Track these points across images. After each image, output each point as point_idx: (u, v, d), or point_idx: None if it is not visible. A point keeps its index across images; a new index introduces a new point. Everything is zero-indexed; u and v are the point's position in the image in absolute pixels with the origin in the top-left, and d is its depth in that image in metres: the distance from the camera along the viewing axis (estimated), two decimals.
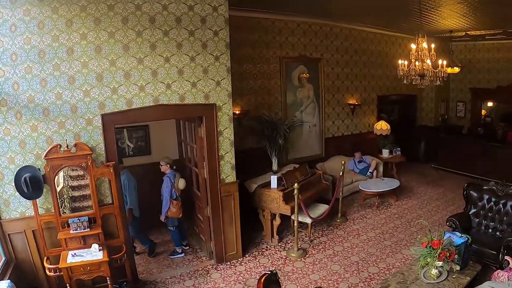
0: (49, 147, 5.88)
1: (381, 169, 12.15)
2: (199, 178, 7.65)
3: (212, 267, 7.66)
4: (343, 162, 9.68)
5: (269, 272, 4.97)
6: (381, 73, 13.53)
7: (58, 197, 6.08)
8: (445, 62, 8.74)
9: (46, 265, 6.01)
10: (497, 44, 14.25)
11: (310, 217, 8.39)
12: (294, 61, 11.09)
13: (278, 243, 8.65)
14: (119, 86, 6.34)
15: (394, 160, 12.79)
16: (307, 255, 8.15)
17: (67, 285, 5.90)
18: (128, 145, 9.18)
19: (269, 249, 8.42)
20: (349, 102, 12.52)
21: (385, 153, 12.76)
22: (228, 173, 7.51)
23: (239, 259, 7.94)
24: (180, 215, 7.94)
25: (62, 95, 6.00)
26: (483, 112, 15.27)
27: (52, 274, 6.00)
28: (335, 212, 9.64)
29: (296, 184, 7.77)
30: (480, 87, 14.84)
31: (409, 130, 14.59)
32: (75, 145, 6.00)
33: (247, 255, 8.11)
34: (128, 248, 6.69)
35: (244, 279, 7.26)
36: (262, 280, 4.76)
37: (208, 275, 7.41)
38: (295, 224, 8.00)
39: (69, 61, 5.95)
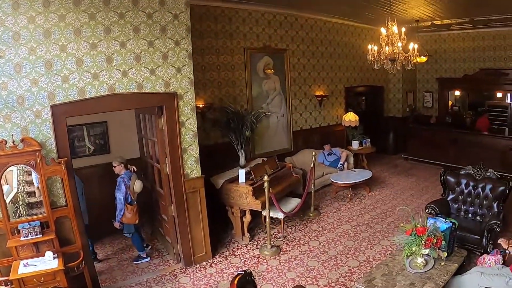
0: None
1: (351, 160, 11.86)
2: (161, 174, 7.09)
3: (180, 271, 7.13)
4: (313, 153, 9.31)
5: (243, 272, 4.51)
6: (348, 64, 13.25)
7: (11, 202, 5.54)
8: (416, 46, 8.54)
9: None
10: (463, 33, 14.23)
11: (283, 212, 7.96)
12: (259, 52, 10.65)
13: (250, 241, 8.19)
14: (70, 74, 5.74)
15: (364, 151, 12.55)
16: (281, 252, 7.72)
17: None
18: (88, 146, 8.54)
19: (241, 248, 7.95)
20: (316, 94, 12.16)
21: (355, 144, 12.51)
22: (193, 168, 7.00)
23: (209, 261, 7.43)
24: (137, 221, 7.27)
25: (8, 85, 5.37)
26: (450, 102, 15.17)
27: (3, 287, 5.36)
28: (307, 206, 9.28)
29: (266, 177, 7.33)
30: (447, 76, 14.75)
31: (377, 121, 14.39)
32: (22, 140, 5.38)
33: (217, 256, 7.62)
34: (86, 254, 6.10)
35: (216, 282, 6.77)
36: (236, 281, 4.31)
37: (177, 279, 6.87)
38: (267, 220, 7.56)
39: (14, 47, 5.32)
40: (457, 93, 14.92)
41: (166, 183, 6.99)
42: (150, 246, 7.98)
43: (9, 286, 5.33)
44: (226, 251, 7.80)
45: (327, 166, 11.35)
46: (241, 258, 7.55)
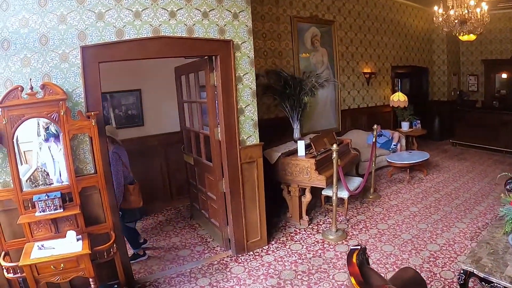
0: (6, 91, 3.66)
1: (403, 142, 10.00)
2: (211, 142, 5.37)
3: (230, 259, 5.41)
4: (375, 126, 7.48)
5: (358, 247, 2.80)
6: (394, 42, 11.43)
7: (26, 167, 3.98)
8: (486, 7, 6.84)
9: (3, 263, 3.74)
10: (509, 13, 12.26)
11: (348, 190, 6.19)
12: (305, 22, 8.90)
13: (309, 225, 6.40)
14: (106, 10, 4.17)
15: (415, 134, 10.69)
16: (348, 237, 5.96)
17: None
18: (110, 119, 6.89)
19: (299, 233, 6.20)
20: (364, 71, 10.36)
21: (405, 126, 10.68)
22: (250, 133, 5.27)
23: (264, 247, 5.70)
24: (141, 203, 5.41)
25: (29, 21, 3.82)
26: (497, 84, 13.20)
27: (11, 276, 3.77)
28: (366, 188, 7.43)
29: (335, 145, 5.58)
30: (493, 58, 12.81)
31: (422, 105, 12.43)
32: (43, 86, 3.77)
33: (272, 242, 5.88)
34: (119, 236, 4.42)
35: (277, 272, 5.03)
36: (354, 258, 2.61)
37: (227, 269, 5.16)
38: (334, 198, 5.81)
39: None
40: (504, 75, 12.94)
41: (217, 152, 5.29)
42: (147, 242, 6.03)
43: (19, 274, 3.69)
44: (282, 236, 6.05)
45: (379, 148, 9.51)
46: (302, 243, 5.80)
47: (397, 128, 10.81)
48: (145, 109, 7.14)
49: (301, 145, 6.22)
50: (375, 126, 7.44)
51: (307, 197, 6.20)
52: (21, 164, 3.98)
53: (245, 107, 5.15)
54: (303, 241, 5.87)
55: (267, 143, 6.49)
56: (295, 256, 5.38)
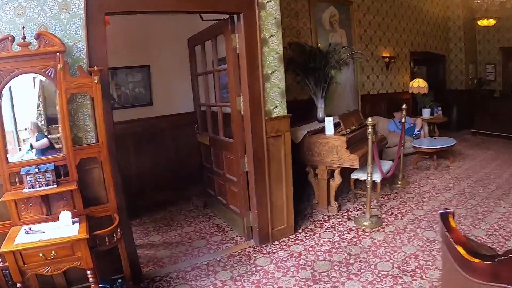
0: None
1: (426, 129, 9.07)
2: (232, 114, 4.48)
3: (254, 250, 4.50)
4: (404, 106, 6.61)
5: (451, 210, 1.94)
6: (411, 27, 10.49)
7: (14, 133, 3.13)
8: None
9: None
10: None
11: (382, 172, 5.30)
12: (323, 1, 8.01)
13: (338, 212, 5.50)
14: None
15: (436, 120, 9.76)
16: (383, 223, 5.05)
17: (17, 285, 2.77)
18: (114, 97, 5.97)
19: (328, 220, 5.29)
20: (383, 55, 9.45)
21: (426, 113, 9.74)
22: (276, 103, 4.39)
23: (291, 236, 4.80)
24: None
25: None
26: None
27: None
28: (394, 174, 6.48)
29: (370, 119, 4.72)
30: (511, 46, 11.85)
31: (440, 94, 11.48)
32: (38, 36, 2.93)
33: (299, 230, 4.98)
34: (124, 220, 3.54)
35: (310, 263, 4.14)
36: (453, 222, 1.80)
37: (251, 261, 4.26)
38: (369, 179, 4.92)
39: None
40: None
41: (238, 126, 4.40)
42: None
43: (1, 264, 2.83)
44: (310, 224, 5.15)
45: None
46: (334, 231, 4.90)
47: (417, 115, 9.88)
48: (154, 87, 6.26)
49: (329, 122, 5.33)
50: (404, 106, 6.55)
51: (337, 180, 5.31)
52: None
53: (271, 73, 4.27)
54: (334, 228, 4.97)
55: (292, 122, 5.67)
56: (328, 245, 4.49)
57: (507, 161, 8.21)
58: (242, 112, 4.30)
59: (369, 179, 4.89)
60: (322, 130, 5.49)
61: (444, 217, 1.91)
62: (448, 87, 12.17)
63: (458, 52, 11.98)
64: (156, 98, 6.29)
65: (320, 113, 6.08)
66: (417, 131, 8.66)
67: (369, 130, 4.68)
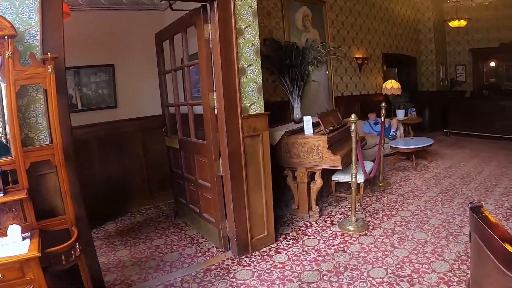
0: None
1: (402, 129, 8.89)
2: (204, 112, 4.07)
3: (233, 263, 4.07)
4: (382, 104, 6.35)
5: (482, 203, 1.59)
6: (383, 29, 10.40)
7: None
8: None
9: None
10: (495, 1, 11.43)
11: (365, 173, 5.00)
12: (296, 0, 7.73)
13: (320, 217, 5.15)
14: None
15: (411, 121, 9.62)
16: (370, 227, 4.72)
17: None
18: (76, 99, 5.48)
19: (310, 226, 4.93)
20: (356, 56, 9.25)
21: (400, 114, 9.60)
22: (253, 99, 4.02)
23: (272, 246, 4.39)
24: None
25: None
26: (486, 73, 12.37)
27: None
28: (374, 176, 6.22)
29: (353, 116, 4.40)
30: (480, 47, 11.96)
31: (411, 96, 11.41)
32: None
33: (280, 238, 4.58)
34: (84, 234, 3.07)
35: (296, 274, 3.74)
36: (491, 217, 1.51)
37: (230, 274, 3.82)
38: (353, 180, 4.59)
39: None
40: (492, 64, 12.09)
41: (212, 125, 4.00)
42: None
43: None
44: (291, 231, 4.77)
45: (377, 136, 8.39)
46: (318, 238, 4.53)
47: (391, 117, 9.72)
48: (119, 88, 5.79)
49: (308, 122, 4.99)
50: (383, 104, 6.31)
51: (318, 182, 4.97)
52: None
53: (247, 67, 3.91)
54: (318, 235, 4.61)
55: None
56: (314, 253, 4.12)
57: (484, 159, 8.14)
58: (216, 110, 3.90)
59: (353, 180, 4.57)
60: (300, 130, 5.16)
61: (477, 211, 1.57)
62: (420, 89, 12.12)
63: (429, 53, 11.99)
64: (121, 100, 5.83)
65: (297, 113, 5.75)
66: (393, 131, 8.47)
67: (353, 127, 4.37)
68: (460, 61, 12.58)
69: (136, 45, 5.68)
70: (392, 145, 7.57)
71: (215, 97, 3.89)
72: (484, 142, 10.01)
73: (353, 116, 4.37)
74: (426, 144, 7.55)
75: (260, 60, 4.01)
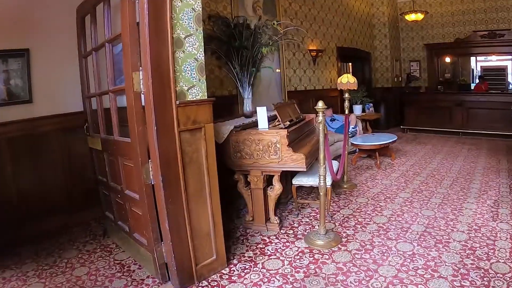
0: None
1: (361, 126, 8.15)
2: (127, 98, 2.99)
3: None
4: (346, 95, 5.54)
5: None
6: (338, 21, 9.68)
7: None
8: None
9: None
10: None
11: (334, 174, 4.10)
12: None
13: (280, 229, 4.17)
14: None
15: (369, 117, 8.94)
16: (343, 240, 3.80)
17: None
18: None
19: (270, 242, 3.93)
20: (310, 48, 8.41)
21: (357, 110, 8.92)
22: (193, 81, 2.98)
23: (224, 272, 3.34)
24: None
25: None
26: (441, 69, 12.00)
27: None
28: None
29: (320, 103, 3.46)
30: (435, 42, 11.57)
31: (366, 92, 10.81)
32: None
33: (234, 261, 3.55)
34: None
35: None
36: None
37: None
38: (322, 184, 3.66)
39: None
40: (447, 59, 11.73)
41: (137, 116, 2.91)
42: None
43: None
44: (246, 250, 3.75)
45: (334, 133, 7.61)
46: (281, 257, 3.54)
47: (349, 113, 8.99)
48: (36, 78, 4.53)
49: (262, 114, 4.02)
50: (346, 95, 5.51)
51: (276, 188, 4.00)
52: None
53: (185, 38, 2.88)
54: (281, 253, 3.63)
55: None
56: (278, 280, 3.13)
57: (449, 155, 7.64)
58: (143, 97, 2.84)
59: (322, 183, 3.63)
60: (253, 125, 4.19)
61: None
62: (375, 85, 11.51)
63: (383, 49, 11.44)
64: (38, 92, 4.55)
65: (248, 106, 4.77)
66: (352, 128, 7.70)
67: (320, 117, 3.44)
68: (415, 57, 12.17)
69: (57, 24, 4.48)
70: (354, 142, 6.77)
71: (141, 78, 2.82)
72: (444, 138, 9.53)
73: (320, 104, 3.44)
74: (390, 140, 6.84)
75: (202, 30, 2.98)
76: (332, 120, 7.93)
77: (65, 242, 4.32)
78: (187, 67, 2.89)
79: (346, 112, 5.41)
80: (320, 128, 3.48)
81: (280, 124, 4.06)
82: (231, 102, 5.17)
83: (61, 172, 4.84)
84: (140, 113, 2.89)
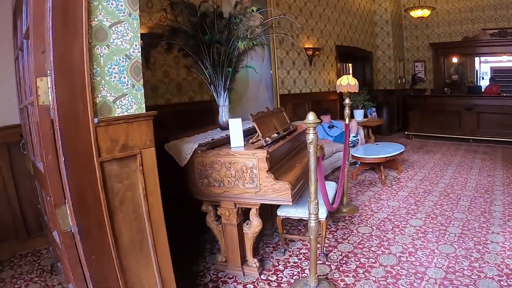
0: None
1: (363, 134, 7.24)
2: (34, 116, 2.09)
3: None
4: (346, 101, 4.61)
5: None
6: (337, 18, 8.74)
7: None
8: None
9: None
10: None
11: (329, 204, 3.18)
12: None
13: (261, 274, 3.24)
14: None
15: (372, 124, 8.01)
16: None
17: None
18: None
19: None
20: (306, 46, 7.49)
21: (358, 115, 7.98)
22: (123, 88, 2.06)
23: None
24: None
25: None
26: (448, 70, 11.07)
27: None
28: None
29: (311, 116, 2.56)
30: (442, 41, 10.63)
31: (368, 95, 9.89)
32: None
33: None
34: None
35: None
36: None
37: None
38: (312, 224, 2.74)
39: None
40: (455, 59, 10.81)
41: (45, 140, 1.99)
42: None
43: None
44: None
45: (334, 143, 6.68)
46: None
47: (349, 118, 8.08)
48: None
49: (236, 127, 3.10)
50: (346, 101, 4.56)
51: (254, 225, 3.09)
52: None
53: (110, 27, 1.97)
54: None
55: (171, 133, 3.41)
56: None
57: (462, 166, 6.74)
58: (49, 107, 1.94)
59: (313, 224, 2.72)
60: (226, 141, 3.27)
61: None
62: (377, 87, 10.58)
63: (386, 48, 10.51)
64: None
65: (224, 115, 3.83)
66: (353, 136, 6.78)
67: (311, 136, 2.54)
68: (419, 57, 11.25)
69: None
70: (355, 155, 5.84)
71: (49, 86, 1.91)
72: (453, 145, 8.61)
73: (310, 117, 2.53)
74: (397, 152, 5.91)
75: (138, 16, 2.07)
76: (331, 127, 7.02)
77: (8, 279, 3.46)
78: (114, 69, 1.98)
79: (347, 121, 4.49)
80: (311, 151, 2.57)
81: (260, 140, 3.15)
82: (212, 109, 4.28)
83: (5, 193, 3.98)
84: (49, 136, 1.98)
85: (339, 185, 3.95)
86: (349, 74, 9.42)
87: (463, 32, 10.34)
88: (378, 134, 9.83)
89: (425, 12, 8.92)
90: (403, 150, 6.04)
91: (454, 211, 4.48)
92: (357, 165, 6.28)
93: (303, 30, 6.28)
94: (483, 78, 10.86)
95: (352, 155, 5.87)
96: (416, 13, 8.96)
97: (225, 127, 3.75)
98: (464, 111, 8.75)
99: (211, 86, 3.76)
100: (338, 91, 7.94)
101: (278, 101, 6.75)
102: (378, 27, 10.52)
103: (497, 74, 10.38)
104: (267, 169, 2.83)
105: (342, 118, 8.29)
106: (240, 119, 3.13)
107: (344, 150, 4.42)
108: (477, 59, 10.86)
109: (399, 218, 4.34)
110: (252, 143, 3.21)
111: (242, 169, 2.93)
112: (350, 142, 6.69)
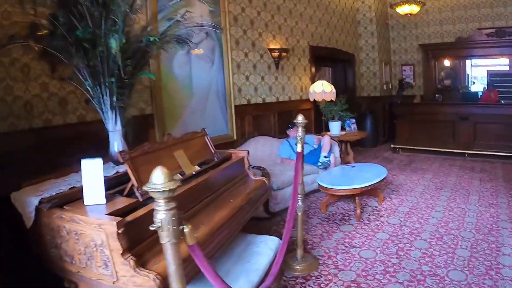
0: None
1: (337, 151, 5.99)
2: None
3: None
4: (299, 119, 3.33)
5: None
6: (312, 14, 7.54)
7: None
8: None
9: None
10: None
11: None
12: None
13: None
14: None
15: (351, 138, 6.81)
16: None
17: None
18: None
19: None
20: (271, 47, 6.28)
21: (335, 128, 6.77)
22: None
23: None
24: None
25: None
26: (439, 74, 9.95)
27: None
28: (289, 248, 3.13)
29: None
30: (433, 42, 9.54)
31: (349, 103, 8.60)
32: None
33: None
34: None
35: None
36: None
37: None
38: None
39: None
40: (447, 62, 9.68)
41: None
42: None
43: None
44: None
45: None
46: None
47: (322, 132, 6.90)
48: None
49: (92, 172, 1.86)
50: (300, 120, 3.32)
51: None
52: None
53: None
54: None
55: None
56: None
57: (457, 190, 5.64)
58: None
59: None
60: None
61: None
62: (360, 94, 9.41)
63: (370, 50, 9.38)
64: None
65: (117, 144, 2.58)
66: (325, 156, 5.54)
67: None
68: (408, 60, 10.14)
69: None
70: (322, 184, 4.58)
71: None
72: (446, 161, 7.46)
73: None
74: (376, 180, 4.65)
75: None
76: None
77: None
78: None
79: (298, 148, 3.26)
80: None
81: (135, 192, 1.92)
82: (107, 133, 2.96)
83: None
84: None
85: (284, 240, 2.72)
86: (325, 79, 8.23)
87: (456, 32, 9.27)
88: (360, 147, 8.66)
89: (414, 9, 7.78)
90: (385, 176, 4.82)
91: (449, 267, 3.27)
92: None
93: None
94: (474, 83, 9.76)
95: (319, 184, 4.64)
96: (404, 10, 7.81)
97: (118, 162, 2.52)
98: (459, 121, 7.61)
99: (94, 102, 2.52)
100: (311, 99, 6.83)
101: (233, 114, 5.52)
102: (361, 27, 9.37)
103: (495, 78, 9.24)
104: (121, 251, 1.60)
105: (317, 131, 7.15)
106: (100, 160, 1.89)
107: (295, 181, 3.17)
108: (471, 61, 9.75)
109: (372, 281, 3.11)
110: (127, 196, 1.97)
111: (91, 245, 1.71)
112: (320, 164, 5.50)
